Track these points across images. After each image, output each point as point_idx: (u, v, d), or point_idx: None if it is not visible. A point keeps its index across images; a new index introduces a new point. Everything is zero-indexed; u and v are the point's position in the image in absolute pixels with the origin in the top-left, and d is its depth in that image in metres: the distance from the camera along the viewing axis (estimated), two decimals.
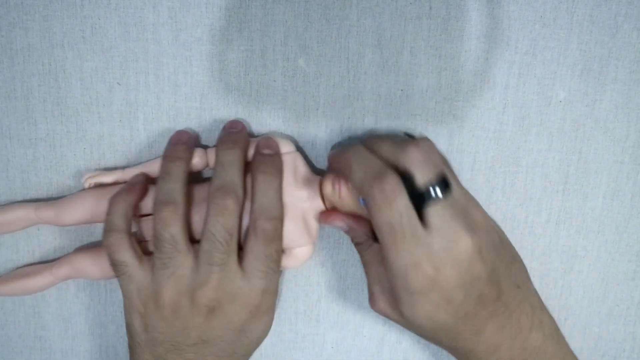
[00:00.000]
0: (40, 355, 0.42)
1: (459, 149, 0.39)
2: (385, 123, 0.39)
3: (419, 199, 0.32)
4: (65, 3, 0.37)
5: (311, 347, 0.42)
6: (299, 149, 0.39)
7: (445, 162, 0.35)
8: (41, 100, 0.39)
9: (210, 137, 0.39)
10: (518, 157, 0.39)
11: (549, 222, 0.40)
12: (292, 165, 0.37)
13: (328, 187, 0.35)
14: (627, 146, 0.39)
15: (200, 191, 0.37)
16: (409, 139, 0.37)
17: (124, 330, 0.42)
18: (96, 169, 0.39)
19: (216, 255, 0.33)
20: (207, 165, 0.38)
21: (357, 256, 0.41)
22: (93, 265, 0.38)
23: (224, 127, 0.38)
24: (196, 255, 0.34)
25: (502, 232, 0.36)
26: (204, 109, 0.39)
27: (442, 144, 0.39)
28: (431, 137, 0.39)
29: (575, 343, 0.41)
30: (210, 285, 0.33)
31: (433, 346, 0.42)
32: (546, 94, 0.38)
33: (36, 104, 0.39)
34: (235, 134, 0.37)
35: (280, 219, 0.35)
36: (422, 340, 0.42)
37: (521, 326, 0.34)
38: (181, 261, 0.34)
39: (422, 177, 0.32)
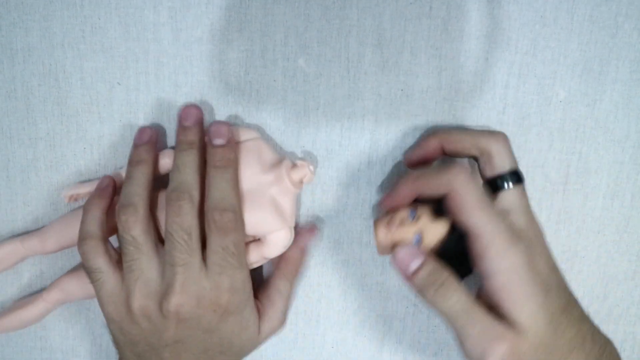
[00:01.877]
0: (40, 355, 0.42)
1: None
2: (385, 123, 0.39)
3: (492, 184, 0.34)
4: (65, 3, 0.37)
5: (311, 347, 0.42)
6: (269, 139, 0.39)
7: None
8: (41, 100, 0.39)
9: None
10: (518, 157, 0.39)
11: (549, 222, 0.40)
12: (256, 151, 0.36)
13: (381, 231, 0.35)
14: (627, 146, 0.39)
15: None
16: (487, 130, 0.38)
17: None
18: (96, 170, 0.39)
19: (177, 256, 0.33)
20: None
21: (357, 256, 0.41)
22: (78, 286, 0.38)
23: (179, 117, 0.37)
24: (162, 259, 0.34)
25: None
26: (204, 109, 0.38)
27: None
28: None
29: None
30: (175, 290, 0.33)
31: (433, 346, 0.42)
32: (546, 94, 0.38)
33: (36, 104, 0.39)
34: (190, 132, 0.36)
35: (234, 210, 0.34)
36: (422, 340, 0.42)
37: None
38: (146, 263, 0.34)
39: (502, 163, 0.34)
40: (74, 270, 0.39)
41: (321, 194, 0.40)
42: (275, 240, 0.36)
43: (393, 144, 0.39)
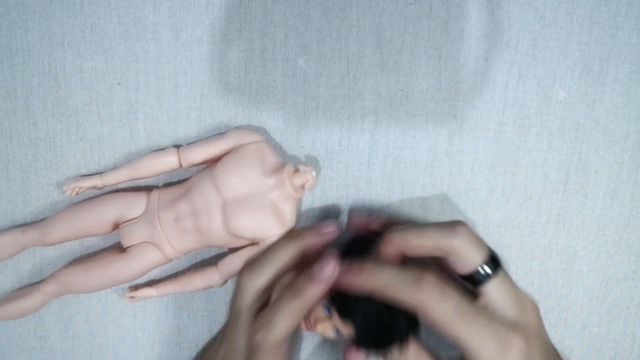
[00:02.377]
0: (40, 355, 0.42)
1: (459, 149, 0.39)
2: (385, 123, 0.39)
3: (470, 280, 0.32)
4: (65, 3, 0.37)
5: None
6: (272, 140, 0.39)
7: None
8: (41, 100, 0.39)
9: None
10: (518, 157, 0.39)
11: (549, 222, 0.40)
12: (259, 154, 0.36)
13: (303, 325, 0.36)
14: (627, 146, 0.39)
15: (175, 192, 0.37)
16: (444, 223, 0.34)
17: (124, 330, 0.42)
18: (96, 170, 0.39)
19: None
20: (179, 166, 0.38)
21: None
22: (75, 280, 0.38)
23: (316, 231, 0.35)
24: None
25: None
26: (204, 109, 0.38)
27: (442, 144, 0.39)
28: (431, 137, 0.39)
29: (575, 343, 0.41)
30: None
31: (433, 347, 0.42)
32: (546, 94, 0.38)
33: (36, 104, 0.39)
34: (315, 288, 0.33)
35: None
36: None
37: None
38: None
39: (474, 257, 0.32)
40: (72, 263, 0.39)
41: (321, 194, 0.40)
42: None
43: (393, 144, 0.39)
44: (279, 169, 0.36)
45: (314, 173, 0.36)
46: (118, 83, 0.38)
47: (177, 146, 0.38)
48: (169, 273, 0.41)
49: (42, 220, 0.39)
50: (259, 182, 0.36)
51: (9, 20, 0.37)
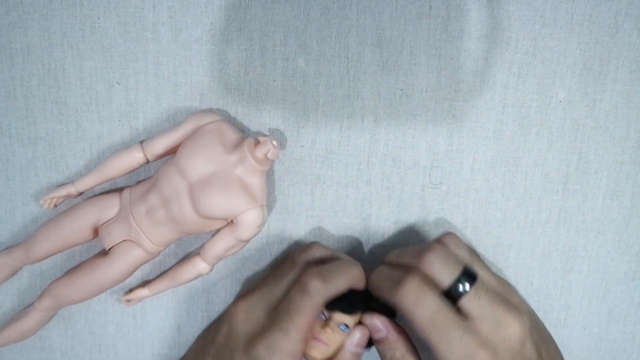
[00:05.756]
0: (40, 355, 0.42)
1: (459, 149, 0.39)
2: (385, 123, 0.39)
3: (450, 297, 0.33)
4: (65, 3, 0.37)
5: None
6: (232, 121, 0.38)
7: (471, 252, 0.36)
8: (41, 99, 0.39)
9: None
10: (518, 157, 0.39)
11: (549, 222, 0.40)
12: (218, 133, 0.36)
13: (314, 352, 0.36)
14: (627, 146, 0.39)
15: (144, 186, 0.37)
16: (429, 244, 0.35)
17: (124, 330, 0.42)
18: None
19: None
20: (147, 160, 0.38)
21: (356, 256, 0.41)
22: (67, 290, 0.38)
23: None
24: None
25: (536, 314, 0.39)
26: (203, 109, 0.38)
27: (442, 144, 0.39)
28: (431, 137, 0.39)
29: (575, 343, 0.41)
30: None
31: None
32: (546, 94, 0.38)
33: (36, 104, 0.39)
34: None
35: None
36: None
37: None
38: None
39: (445, 277, 0.33)
40: (62, 275, 0.39)
41: (321, 193, 0.40)
42: (246, 220, 0.36)
43: (393, 143, 0.39)
44: (239, 143, 0.36)
45: (274, 142, 0.36)
46: (118, 82, 0.38)
47: (142, 142, 0.38)
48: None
49: (26, 238, 0.39)
50: (222, 159, 0.35)
51: (9, 19, 0.37)
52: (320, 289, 0.34)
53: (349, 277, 0.35)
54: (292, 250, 0.39)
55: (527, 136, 0.39)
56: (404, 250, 0.36)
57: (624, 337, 0.41)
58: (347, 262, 0.36)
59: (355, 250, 0.41)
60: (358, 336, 0.36)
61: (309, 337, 0.35)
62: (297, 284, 0.35)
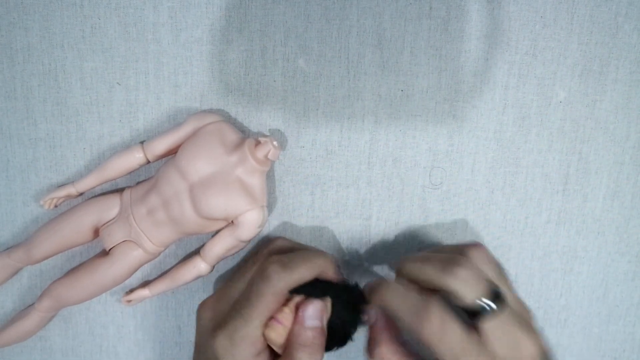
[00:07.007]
0: (40, 355, 0.43)
1: (459, 149, 0.39)
2: (385, 123, 0.39)
3: (472, 313, 0.32)
4: (65, 3, 0.37)
5: None
6: (233, 121, 0.38)
7: (498, 268, 0.34)
8: (41, 100, 0.39)
9: None
10: (518, 157, 0.39)
11: (549, 222, 0.40)
12: (218, 133, 0.36)
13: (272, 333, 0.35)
14: (628, 147, 0.39)
15: (144, 186, 0.37)
16: (452, 255, 0.34)
17: (124, 330, 0.42)
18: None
19: None
20: (147, 161, 0.38)
21: (356, 256, 0.41)
22: (66, 291, 0.38)
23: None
24: None
25: None
26: (203, 109, 0.38)
27: (442, 145, 0.39)
28: (431, 137, 0.39)
29: (575, 343, 0.41)
30: None
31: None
32: (546, 94, 0.38)
33: (36, 104, 0.39)
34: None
35: None
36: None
37: None
38: None
39: (472, 295, 0.32)
40: (63, 276, 0.39)
41: (321, 194, 0.40)
42: (247, 220, 0.36)
43: (393, 144, 0.39)
44: (239, 144, 0.36)
45: (275, 142, 0.36)
46: (118, 83, 0.38)
47: (142, 142, 0.38)
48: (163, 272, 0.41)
49: (27, 238, 0.39)
50: (222, 160, 0.36)
51: (9, 20, 0.37)
52: (281, 274, 0.33)
53: (311, 265, 0.34)
54: (257, 245, 0.38)
55: (527, 137, 0.39)
56: (423, 260, 0.34)
57: (624, 337, 0.42)
58: (311, 251, 0.36)
59: (356, 251, 0.41)
60: (310, 307, 0.34)
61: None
62: (257, 271, 0.34)
